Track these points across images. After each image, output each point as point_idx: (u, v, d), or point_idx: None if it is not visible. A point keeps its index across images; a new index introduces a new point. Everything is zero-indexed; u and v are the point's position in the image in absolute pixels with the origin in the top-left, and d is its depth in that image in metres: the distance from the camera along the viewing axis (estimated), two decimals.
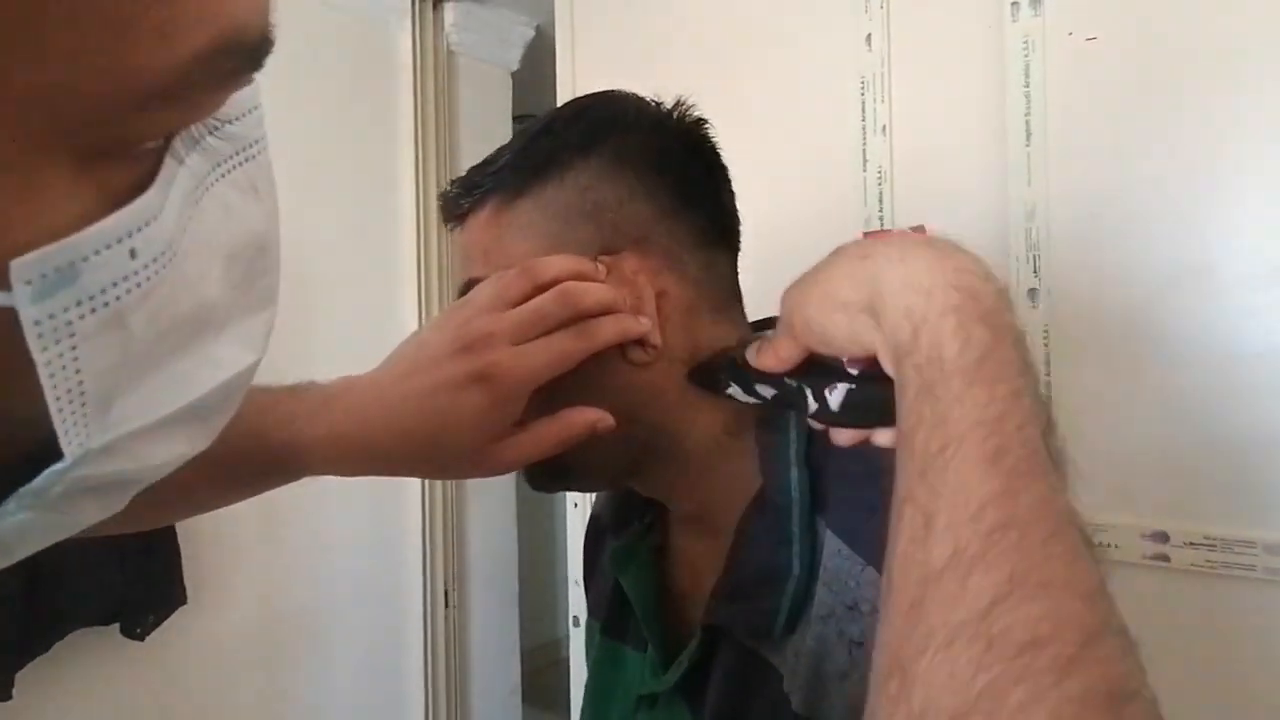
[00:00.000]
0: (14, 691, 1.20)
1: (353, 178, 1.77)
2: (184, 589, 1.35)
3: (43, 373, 0.18)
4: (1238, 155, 0.93)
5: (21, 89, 0.16)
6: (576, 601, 1.63)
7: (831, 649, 0.40)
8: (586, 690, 0.60)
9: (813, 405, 0.42)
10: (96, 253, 0.19)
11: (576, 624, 1.63)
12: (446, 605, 1.87)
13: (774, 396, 0.43)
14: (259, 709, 1.59)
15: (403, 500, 1.84)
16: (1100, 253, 1.01)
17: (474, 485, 1.97)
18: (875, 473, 0.41)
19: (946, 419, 0.31)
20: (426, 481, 1.83)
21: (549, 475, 0.50)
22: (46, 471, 0.20)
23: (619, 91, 0.54)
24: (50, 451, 0.20)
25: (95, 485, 0.21)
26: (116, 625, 1.31)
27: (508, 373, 0.44)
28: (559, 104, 1.70)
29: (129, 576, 1.28)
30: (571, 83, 1.61)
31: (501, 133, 2.08)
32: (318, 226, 1.66)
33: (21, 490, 0.20)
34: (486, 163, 0.52)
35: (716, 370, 0.47)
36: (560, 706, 2.41)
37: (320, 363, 1.66)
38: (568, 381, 0.46)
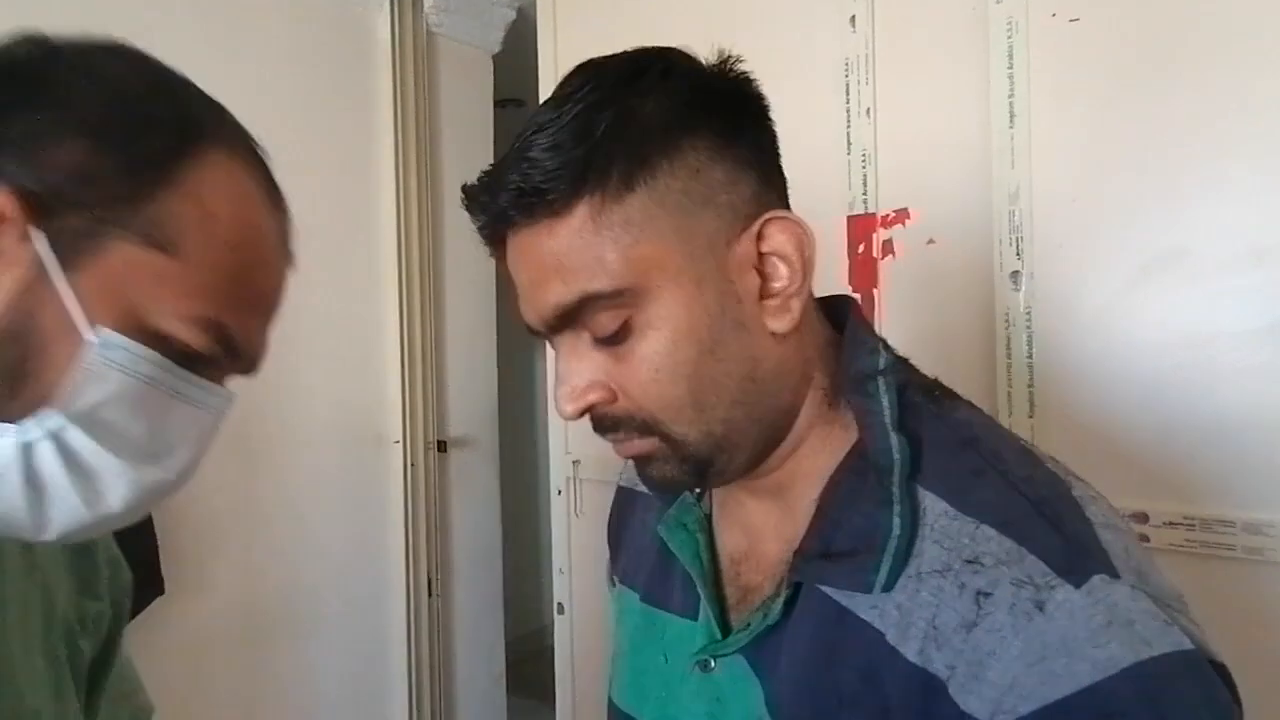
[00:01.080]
0: None
1: (329, 162, 1.74)
2: (161, 579, 1.34)
3: None
4: (1219, 138, 0.93)
5: None
6: (561, 590, 1.63)
7: (951, 601, 0.41)
8: (622, 656, 0.60)
9: None
10: None
11: (561, 611, 1.63)
12: (430, 594, 1.86)
13: None
14: (239, 700, 1.58)
15: (385, 490, 1.82)
16: (1082, 236, 1.01)
17: (457, 475, 1.96)
18: (968, 441, 0.46)
19: None
20: (409, 471, 1.82)
21: (694, 474, 0.48)
22: None
23: (673, 50, 0.49)
24: None
25: None
26: None
27: None
28: (541, 88, 1.68)
29: None
30: (554, 66, 1.60)
31: (483, 117, 2.05)
32: (291, 212, 1.63)
33: None
34: (532, 162, 0.44)
35: None
36: (545, 695, 2.41)
37: (297, 355, 1.65)
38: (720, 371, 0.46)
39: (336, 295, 1.73)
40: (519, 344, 2.91)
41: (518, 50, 2.02)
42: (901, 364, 0.51)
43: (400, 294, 1.83)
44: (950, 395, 0.50)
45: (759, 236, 0.46)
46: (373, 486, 1.80)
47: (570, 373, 0.47)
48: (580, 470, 1.57)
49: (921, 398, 0.49)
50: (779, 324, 0.47)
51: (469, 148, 2.00)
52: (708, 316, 0.45)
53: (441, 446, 1.92)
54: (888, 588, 0.43)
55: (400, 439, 1.82)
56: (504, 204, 0.45)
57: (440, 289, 1.95)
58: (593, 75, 0.46)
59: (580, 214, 0.44)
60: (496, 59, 2.08)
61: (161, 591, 1.35)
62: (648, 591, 0.58)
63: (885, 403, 0.47)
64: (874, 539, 0.44)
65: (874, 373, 0.48)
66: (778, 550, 0.50)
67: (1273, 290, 0.90)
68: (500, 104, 2.17)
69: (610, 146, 0.44)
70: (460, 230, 1.99)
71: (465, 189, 0.48)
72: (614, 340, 0.45)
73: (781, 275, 0.46)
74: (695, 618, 0.53)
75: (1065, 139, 1.03)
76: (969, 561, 0.42)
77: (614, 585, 0.64)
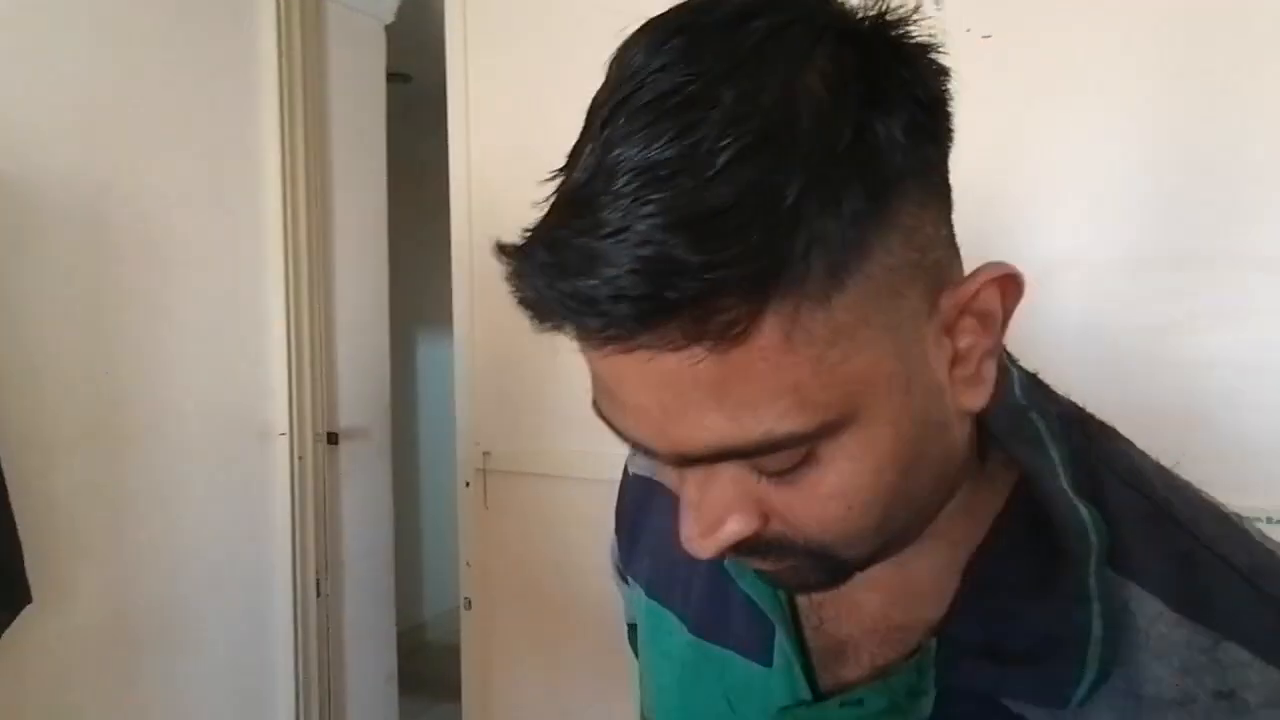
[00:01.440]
0: None
1: (207, 131, 1.60)
2: (27, 587, 1.20)
3: None
4: (1119, 149, 1.02)
5: None
6: (468, 584, 1.59)
7: None
8: (666, 691, 0.51)
9: None
10: None
11: (469, 606, 1.59)
12: (318, 594, 1.77)
13: None
14: (114, 712, 1.45)
15: (271, 485, 1.71)
16: (991, 240, 1.09)
17: (347, 468, 1.87)
18: (1161, 508, 0.36)
19: None
20: (297, 465, 1.72)
21: (840, 580, 0.37)
22: None
23: None
24: None
25: None
26: None
27: None
28: (448, 64, 1.60)
29: None
30: (463, 42, 1.54)
31: (374, 91, 1.95)
32: (166, 190, 1.49)
33: None
34: (662, 252, 0.27)
35: None
36: (433, 691, 2.35)
37: (172, 341, 1.52)
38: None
39: (216, 277, 1.60)
40: (409, 328, 2.80)
41: (413, 21, 1.93)
42: (1034, 381, 0.40)
43: (286, 275, 1.71)
44: (1100, 425, 0.40)
45: (972, 297, 0.33)
46: (257, 482, 1.69)
47: (705, 498, 0.33)
48: (490, 462, 1.53)
49: (1079, 435, 0.38)
50: (974, 400, 0.34)
51: (359, 123, 1.89)
52: (913, 428, 0.33)
53: (331, 438, 1.82)
54: (1083, 701, 0.34)
55: (287, 431, 1.71)
56: (621, 316, 0.28)
57: (329, 270, 1.84)
58: (740, 64, 0.28)
59: (766, 333, 0.29)
60: (389, 30, 1.98)
61: (29, 600, 1.21)
62: (699, 622, 0.48)
63: (1055, 456, 0.36)
64: (1065, 642, 0.34)
65: (1022, 406, 0.37)
66: (880, 604, 0.41)
67: (1157, 294, 1.00)
68: (393, 78, 2.07)
69: (809, 224, 0.28)
70: (351, 207, 1.89)
71: (513, 254, 0.30)
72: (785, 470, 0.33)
73: (973, 329, 0.34)
74: (767, 662, 0.44)
75: (975, 149, 1.09)
76: (1222, 695, 0.33)
77: (625, 582, 0.57)
